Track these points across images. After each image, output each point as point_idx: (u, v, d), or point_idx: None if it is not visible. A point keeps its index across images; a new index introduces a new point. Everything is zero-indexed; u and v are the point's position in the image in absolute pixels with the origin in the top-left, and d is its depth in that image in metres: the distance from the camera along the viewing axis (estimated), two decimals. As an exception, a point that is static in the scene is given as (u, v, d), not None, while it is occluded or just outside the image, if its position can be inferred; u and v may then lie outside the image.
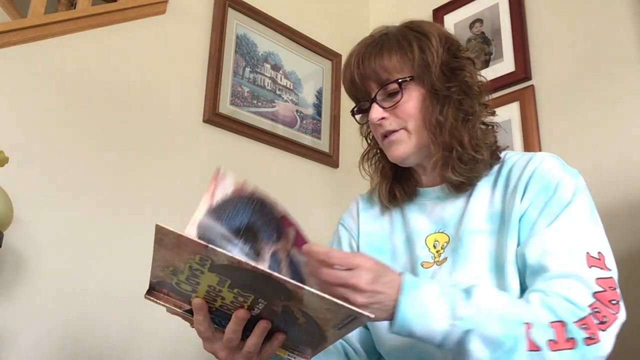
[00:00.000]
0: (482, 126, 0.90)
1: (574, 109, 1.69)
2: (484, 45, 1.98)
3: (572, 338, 0.66)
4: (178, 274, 0.62)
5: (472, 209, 0.88)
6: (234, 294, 0.62)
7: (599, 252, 0.75)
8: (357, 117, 0.98)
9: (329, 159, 2.08)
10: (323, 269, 0.66)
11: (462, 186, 0.89)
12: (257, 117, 1.90)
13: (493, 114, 0.93)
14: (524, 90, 1.81)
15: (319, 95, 2.17)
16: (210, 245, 0.56)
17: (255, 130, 1.87)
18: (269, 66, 2.02)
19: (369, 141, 1.03)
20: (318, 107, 2.14)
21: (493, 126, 0.92)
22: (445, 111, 0.86)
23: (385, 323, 0.81)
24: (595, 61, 1.68)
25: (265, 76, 1.99)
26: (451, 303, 0.69)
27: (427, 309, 0.69)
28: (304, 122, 2.07)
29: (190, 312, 0.68)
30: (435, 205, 0.93)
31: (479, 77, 0.92)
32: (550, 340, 0.66)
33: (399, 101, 0.87)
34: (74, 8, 1.98)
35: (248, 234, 0.63)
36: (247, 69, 1.93)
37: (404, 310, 0.69)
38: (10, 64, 1.42)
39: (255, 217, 0.62)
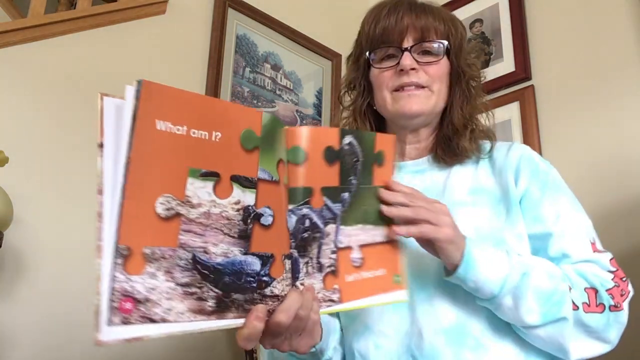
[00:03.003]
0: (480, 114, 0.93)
1: (573, 109, 1.69)
2: (484, 45, 1.98)
3: (601, 303, 0.74)
4: None
5: (453, 182, 0.88)
6: None
7: (593, 238, 0.82)
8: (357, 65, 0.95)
9: (329, 159, 2.08)
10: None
11: (444, 162, 0.90)
12: (257, 117, 1.91)
13: (487, 108, 0.95)
14: (524, 90, 1.81)
15: (319, 95, 2.17)
16: None
17: (255, 130, 1.87)
18: (269, 66, 2.02)
19: (350, 96, 0.99)
20: (318, 107, 2.14)
21: (491, 113, 0.95)
22: (458, 89, 0.91)
23: None
24: (595, 61, 1.68)
25: (265, 76, 1.99)
26: (503, 252, 0.73)
27: (488, 251, 0.72)
28: (304, 122, 2.07)
29: None
30: (413, 179, 0.91)
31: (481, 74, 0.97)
32: (584, 302, 0.73)
33: (437, 61, 0.88)
34: (74, 8, 1.98)
35: None
36: (247, 69, 1.93)
37: (471, 248, 0.70)
38: (10, 64, 1.42)
39: None
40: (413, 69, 0.86)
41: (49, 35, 1.51)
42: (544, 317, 0.71)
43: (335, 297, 0.64)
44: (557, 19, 1.83)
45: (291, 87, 2.07)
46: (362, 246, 0.68)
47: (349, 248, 0.66)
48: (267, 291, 0.57)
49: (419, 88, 0.87)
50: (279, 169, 0.60)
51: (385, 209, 0.69)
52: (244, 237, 0.55)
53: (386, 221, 0.70)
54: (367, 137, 0.70)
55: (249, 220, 0.56)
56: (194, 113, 0.53)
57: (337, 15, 2.34)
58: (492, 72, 1.91)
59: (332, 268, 0.64)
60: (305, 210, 0.63)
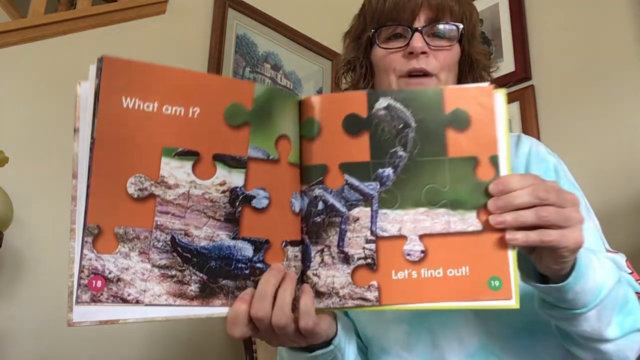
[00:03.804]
0: None
1: (573, 109, 1.69)
2: (484, 45, 1.98)
3: None
4: None
5: None
6: None
7: (603, 237, 0.75)
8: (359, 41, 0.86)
9: (329, 159, 2.08)
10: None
11: None
12: (257, 117, 1.91)
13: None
14: (524, 90, 1.81)
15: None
16: None
17: (255, 130, 1.87)
18: (269, 66, 2.02)
19: (359, 69, 0.88)
20: (318, 107, 2.14)
21: None
22: (470, 79, 0.84)
23: None
24: (595, 61, 1.68)
25: (265, 76, 1.99)
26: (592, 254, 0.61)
27: (588, 255, 0.58)
28: (304, 122, 2.07)
29: None
30: None
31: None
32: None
33: (449, 47, 0.79)
34: (74, 8, 1.98)
35: None
36: (247, 69, 1.93)
37: (581, 251, 0.55)
38: (10, 64, 1.42)
39: None
40: (424, 52, 0.77)
41: (49, 35, 1.51)
42: (621, 328, 0.59)
43: (370, 295, 0.54)
44: (557, 19, 1.83)
45: (291, 87, 2.07)
46: (424, 236, 0.54)
47: (400, 237, 0.54)
48: None
49: (426, 76, 0.78)
50: (279, 147, 0.54)
51: (493, 219, 0.52)
52: (232, 221, 0.52)
53: (473, 203, 0.54)
54: (423, 95, 0.56)
55: (237, 203, 0.52)
56: (167, 88, 0.50)
57: (337, 15, 2.33)
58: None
59: (369, 260, 0.54)
60: (318, 191, 0.55)
